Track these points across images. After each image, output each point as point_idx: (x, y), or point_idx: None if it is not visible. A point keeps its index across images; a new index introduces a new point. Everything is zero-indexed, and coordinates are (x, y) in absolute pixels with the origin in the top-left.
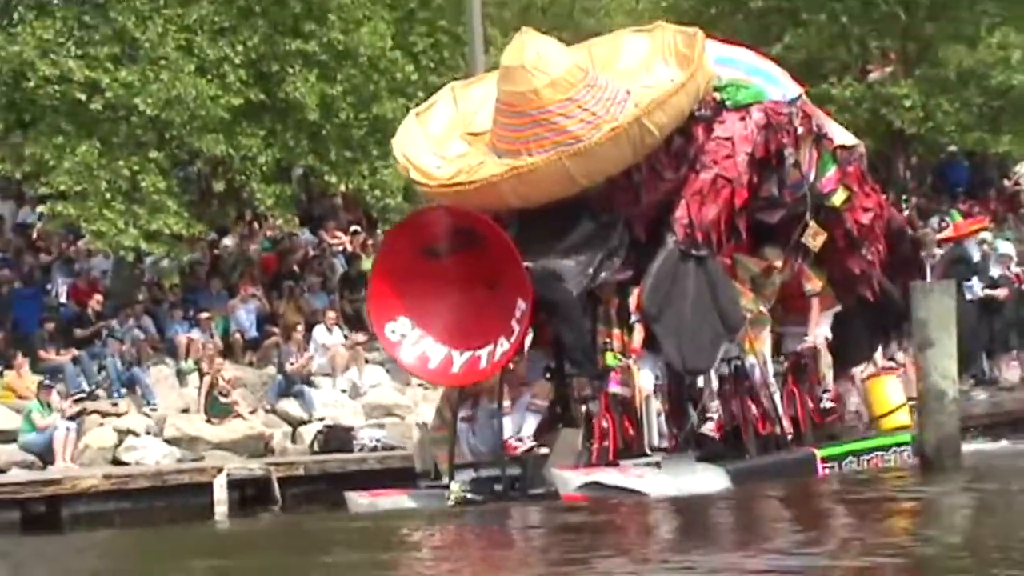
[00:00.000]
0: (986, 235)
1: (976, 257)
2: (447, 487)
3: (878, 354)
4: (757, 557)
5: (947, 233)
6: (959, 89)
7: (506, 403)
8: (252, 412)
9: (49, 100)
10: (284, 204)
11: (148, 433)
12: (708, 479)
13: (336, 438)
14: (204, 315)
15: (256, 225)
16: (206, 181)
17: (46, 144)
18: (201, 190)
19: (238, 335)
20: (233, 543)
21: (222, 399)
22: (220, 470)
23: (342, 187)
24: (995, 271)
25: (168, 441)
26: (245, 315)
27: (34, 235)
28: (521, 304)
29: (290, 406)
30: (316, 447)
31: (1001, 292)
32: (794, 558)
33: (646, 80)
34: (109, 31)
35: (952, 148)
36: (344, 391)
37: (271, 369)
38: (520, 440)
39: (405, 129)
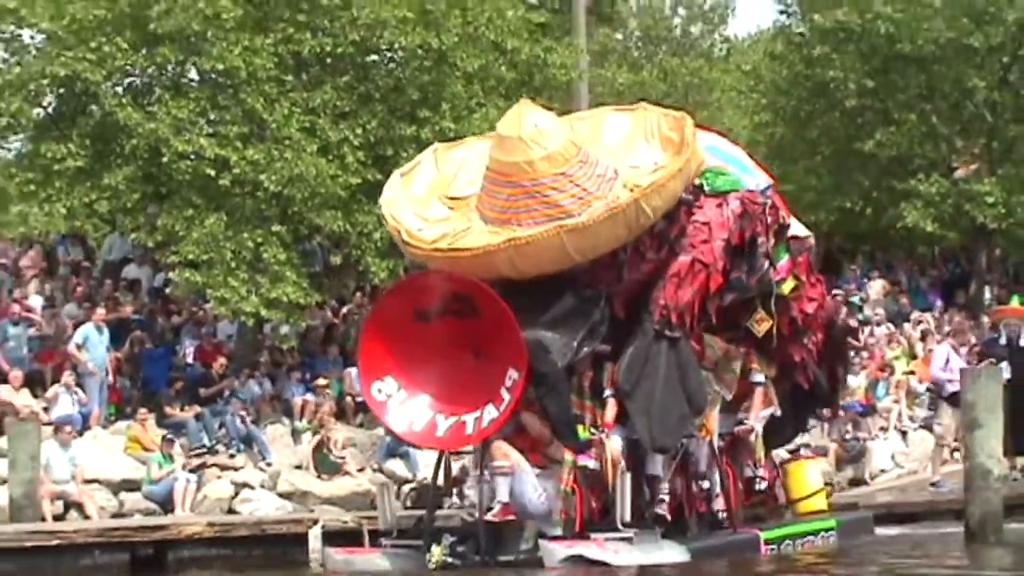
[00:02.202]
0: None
1: (1004, 341)
2: (415, 547)
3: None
4: None
5: (1002, 308)
6: None
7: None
8: (360, 470)
9: (181, 175)
10: (397, 278)
11: (262, 487)
12: (672, 555)
13: (427, 495)
14: (320, 381)
15: (371, 296)
16: (325, 254)
17: (177, 215)
18: (320, 263)
19: (350, 398)
20: None
21: (332, 457)
22: (316, 521)
23: None
24: None
25: (281, 495)
26: (358, 380)
27: (166, 298)
28: (513, 373)
29: (396, 466)
30: (408, 503)
31: None
32: None
33: (629, 159)
34: (239, 112)
35: None
36: None
37: (380, 430)
38: (491, 507)
39: (390, 189)
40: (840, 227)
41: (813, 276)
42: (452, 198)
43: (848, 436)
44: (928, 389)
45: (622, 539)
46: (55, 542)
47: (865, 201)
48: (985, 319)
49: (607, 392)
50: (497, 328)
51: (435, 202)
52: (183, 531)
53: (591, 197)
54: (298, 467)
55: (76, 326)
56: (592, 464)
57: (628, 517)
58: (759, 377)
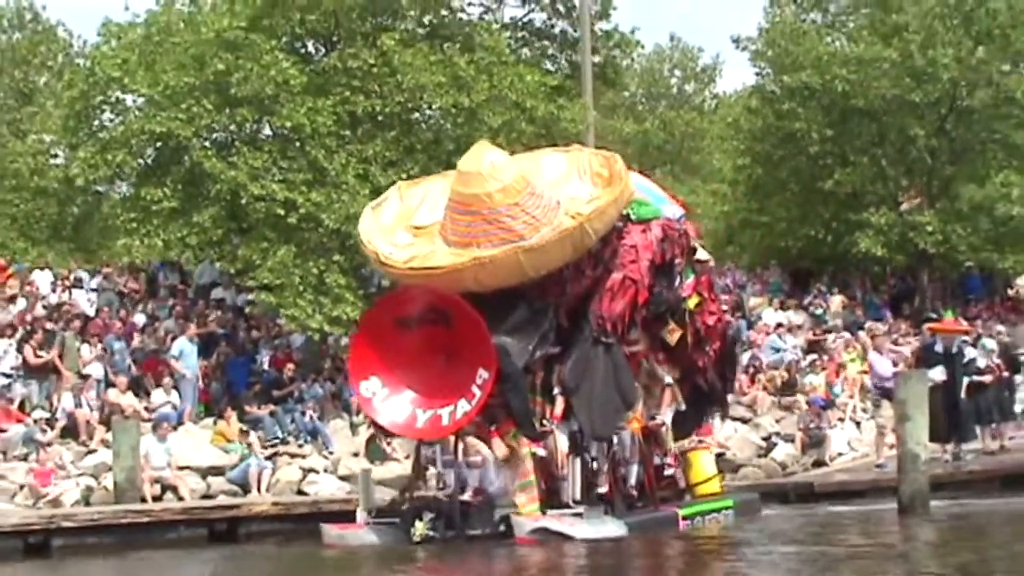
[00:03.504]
0: (968, 338)
1: (940, 350)
2: (393, 524)
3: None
4: None
5: (936, 325)
6: (971, 218)
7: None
8: (407, 457)
9: (257, 214)
10: None
11: (325, 471)
12: (614, 529)
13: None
14: None
15: None
16: (378, 278)
17: (254, 248)
18: (374, 285)
19: None
20: (360, 558)
21: (382, 446)
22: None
23: None
24: (981, 362)
25: (341, 478)
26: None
27: (247, 316)
28: (483, 373)
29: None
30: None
31: (987, 378)
32: None
33: (565, 191)
34: (304, 162)
35: (969, 264)
36: None
37: None
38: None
39: (365, 219)
40: (806, 251)
41: (713, 293)
42: (415, 227)
43: (812, 426)
44: (874, 386)
45: (575, 515)
46: (146, 519)
47: (826, 230)
48: (925, 327)
49: (556, 390)
50: (468, 335)
51: (400, 231)
52: (252, 509)
53: (539, 224)
54: (355, 455)
55: (173, 339)
56: (542, 452)
57: (578, 496)
58: (668, 379)
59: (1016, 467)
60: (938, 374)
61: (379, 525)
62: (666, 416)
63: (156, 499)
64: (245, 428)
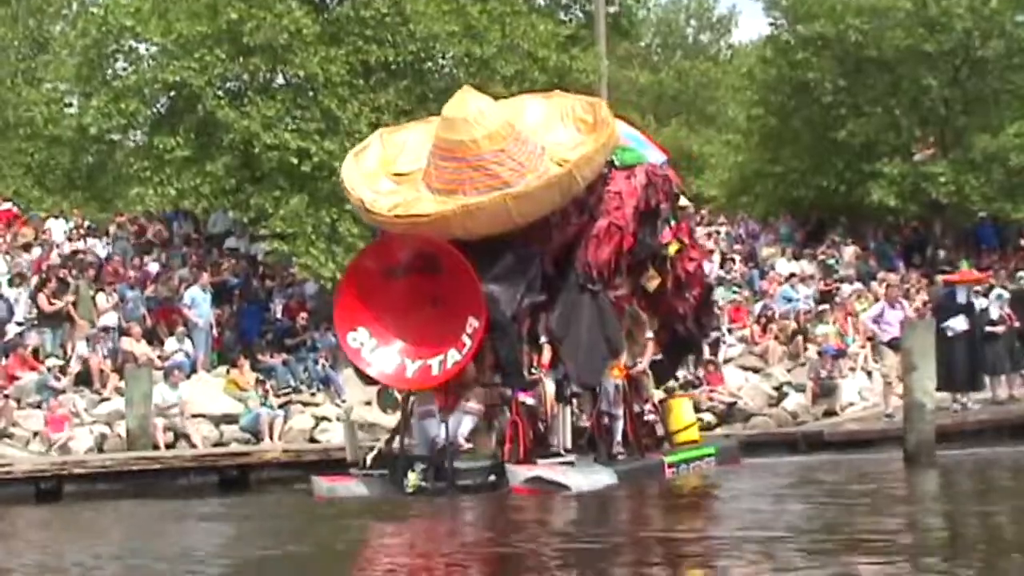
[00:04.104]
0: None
1: (963, 300)
2: (382, 476)
3: None
4: None
5: (953, 276)
6: (984, 168)
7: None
8: None
9: (270, 163)
10: None
11: (337, 419)
12: (604, 477)
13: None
14: None
15: None
16: None
17: (267, 196)
18: None
19: None
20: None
21: (393, 394)
22: (372, 448)
23: None
24: (994, 313)
25: None
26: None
27: (260, 264)
28: (473, 322)
29: None
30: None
31: (999, 328)
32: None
33: (548, 138)
34: (317, 111)
35: (982, 214)
36: None
37: None
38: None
39: (347, 166)
40: (820, 202)
41: (693, 239)
42: (397, 174)
43: (823, 375)
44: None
45: (566, 463)
46: (156, 466)
47: (839, 180)
48: (939, 278)
49: (543, 338)
50: (457, 282)
51: (383, 178)
52: (263, 456)
53: (525, 170)
54: (367, 403)
55: (187, 288)
56: (531, 401)
57: (569, 445)
58: (650, 332)
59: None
60: (960, 323)
61: (369, 477)
62: (646, 363)
63: (169, 446)
64: (259, 377)
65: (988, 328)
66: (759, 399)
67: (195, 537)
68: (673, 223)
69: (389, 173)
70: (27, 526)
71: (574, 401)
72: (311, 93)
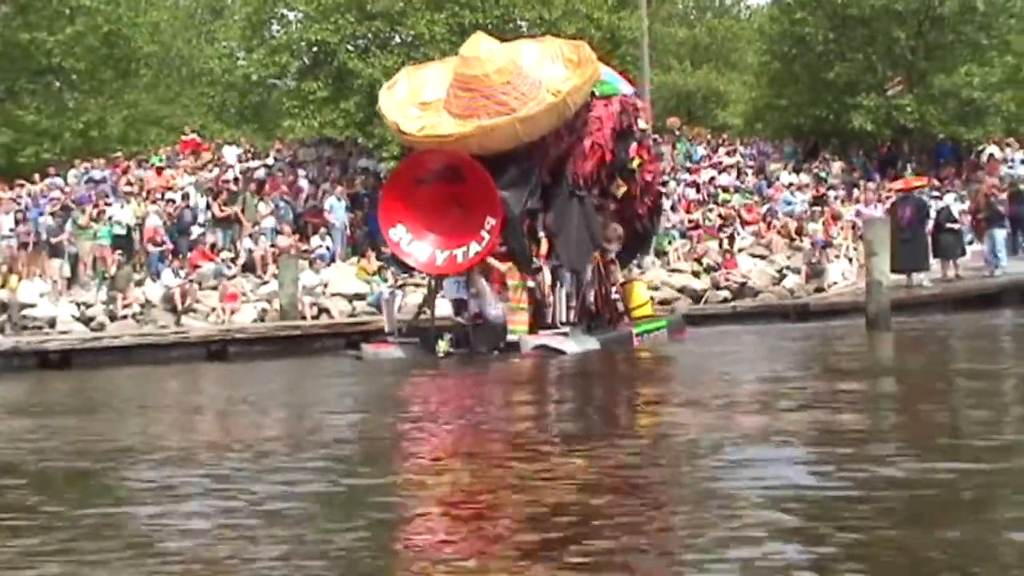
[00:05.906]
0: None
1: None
2: (414, 343)
3: None
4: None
5: (899, 185)
6: (942, 101)
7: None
8: None
9: None
10: None
11: (442, 297)
12: (592, 343)
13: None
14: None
15: None
16: None
17: (386, 128)
18: None
19: None
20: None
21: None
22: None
23: None
24: (955, 210)
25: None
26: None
27: (382, 178)
28: (491, 220)
29: None
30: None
31: (956, 225)
32: None
33: (542, 73)
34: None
35: (941, 136)
36: None
37: None
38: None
39: (382, 97)
40: (815, 128)
41: (651, 155)
42: (422, 103)
43: (814, 261)
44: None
45: (563, 333)
46: (297, 332)
47: (829, 111)
48: (890, 186)
49: (541, 234)
50: (477, 188)
51: (410, 106)
52: (376, 324)
53: (527, 99)
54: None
55: (326, 197)
56: (532, 284)
57: (563, 318)
58: (620, 229)
59: (966, 291)
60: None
61: (405, 344)
62: (613, 253)
63: (314, 319)
64: (381, 264)
65: (948, 224)
66: (764, 280)
67: (322, 383)
68: (636, 143)
69: (416, 102)
70: (201, 377)
71: (565, 283)
72: (420, 48)
